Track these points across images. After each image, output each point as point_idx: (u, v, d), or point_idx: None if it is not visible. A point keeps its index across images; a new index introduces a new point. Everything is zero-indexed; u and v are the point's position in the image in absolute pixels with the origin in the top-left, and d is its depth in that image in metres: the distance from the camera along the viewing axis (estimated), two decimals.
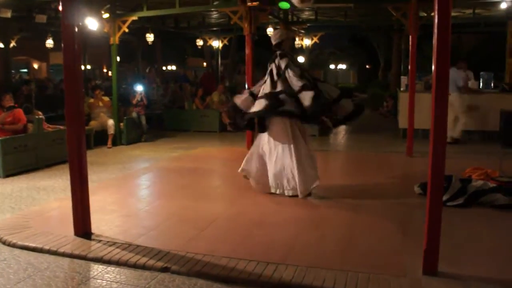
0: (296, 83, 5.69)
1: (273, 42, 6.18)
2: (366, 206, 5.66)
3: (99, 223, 4.87)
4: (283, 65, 5.89)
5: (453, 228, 4.63)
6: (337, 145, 11.21)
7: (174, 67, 32.91)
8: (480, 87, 11.33)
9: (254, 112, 5.81)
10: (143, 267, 3.90)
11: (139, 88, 11.52)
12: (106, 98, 11.06)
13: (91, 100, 10.88)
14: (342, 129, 13.70)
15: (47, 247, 4.27)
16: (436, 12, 3.47)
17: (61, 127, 8.65)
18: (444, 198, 5.33)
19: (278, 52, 6.05)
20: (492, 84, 11.67)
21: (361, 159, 9.09)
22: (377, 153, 9.60)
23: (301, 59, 18.67)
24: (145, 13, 11.01)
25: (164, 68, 28.33)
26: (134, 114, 11.25)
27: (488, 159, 7.94)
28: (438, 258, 3.63)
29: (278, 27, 14.37)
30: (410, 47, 8.74)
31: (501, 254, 4.20)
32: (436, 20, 3.47)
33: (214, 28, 17.44)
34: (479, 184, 5.67)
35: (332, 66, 41.09)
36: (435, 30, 3.48)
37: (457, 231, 4.65)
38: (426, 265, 3.65)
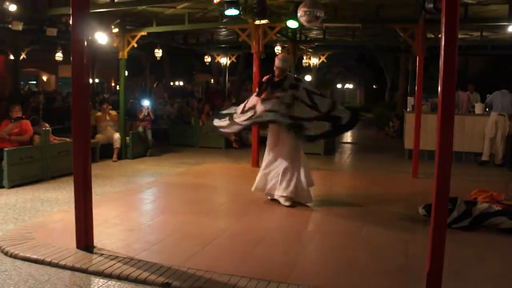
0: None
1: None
2: (370, 226, 5.62)
3: (101, 237, 4.86)
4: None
5: (457, 250, 4.59)
6: (342, 164, 11.18)
7: (181, 83, 33.09)
8: (487, 110, 11.32)
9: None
10: (144, 282, 3.88)
11: (146, 103, 11.59)
12: (113, 112, 11.11)
13: (98, 114, 10.94)
14: (347, 148, 13.71)
15: (48, 259, 4.27)
16: (443, 34, 3.48)
17: (67, 139, 8.69)
18: (449, 220, 5.29)
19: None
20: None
21: (366, 179, 9.05)
22: (382, 173, 9.57)
23: (308, 77, 18.78)
24: (155, 29, 11.13)
25: (171, 83, 28.49)
26: (140, 129, 11.29)
27: (494, 181, 7.89)
28: (441, 281, 3.59)
29: (286, 45, 14.46)
30: (417, 68, 8.76)
31: (505, 278, 4.16)
32: (443, 42, 3.48)
33: (223, 45, 17.56)
34: (484, 207, 5.63)
35: (339, 85, 41.23)
36: (442, 52, 3.49)
37: (461, 254, 4.61)
38: (429, 287, 3.61)
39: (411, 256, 4.56)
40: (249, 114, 6.32)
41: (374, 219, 5.93)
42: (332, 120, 6.19)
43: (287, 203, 6.35)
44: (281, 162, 6.40)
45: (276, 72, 6.47)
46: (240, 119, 6.37)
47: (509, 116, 10.45)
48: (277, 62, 6.49)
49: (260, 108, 6.24)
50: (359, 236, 5.26)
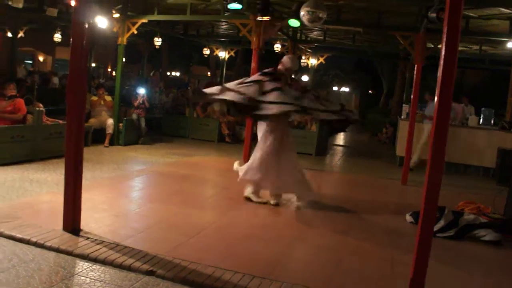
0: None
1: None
2: (356, 229, 5.66)
3: (88, 221, 4.85)
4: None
5: (441, 259, 4.62)
6: (332, 166, 11.22)
7: (178, 73, 33.00)
8: (480, 123, 11.42)
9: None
10: (129, 269, 3.87)
11: (141, 91, 11.56)
12: (108, 98, 11.05)
13: (94, 98, 10.89)
14: (339, 151, 13.76)
15: (34, 239, 4.25)
16: (444, 45, 3.50)
17: (60, 121, 8.66)
18: (435, 228, 5.34)
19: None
20: (492, 121, 11.74)
21: (356, 182, 9.10)
22: (372, 178, 9.62)
23: (305, 78, 18.80)
24: (156, 17, 11.09)
25: (168, 73, 28.41)
26: (134, 116, 11.26)
27: (482, 194, 7.96)
28: None
29: (285, 44, 14.47)
30: (414, 76, 8.80)
31: None
32: (443, 52, 3.50)
33: (222, 39, 17.53)
34: (471, 218, 5.68)
35: (335, 88, 41.26)
36: (441, 62, 3.50)
37: (445, 263, 4.64)
38: None
39: (395, 262, 4.58)
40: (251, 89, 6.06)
41: (361, 223, 5.97)
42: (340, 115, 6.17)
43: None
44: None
45: (283, 71, 6.27)
46: (241, 89, 6.08)
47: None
48: (287, 62, 6.28)
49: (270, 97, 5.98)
50: (345, 239, 5.28)
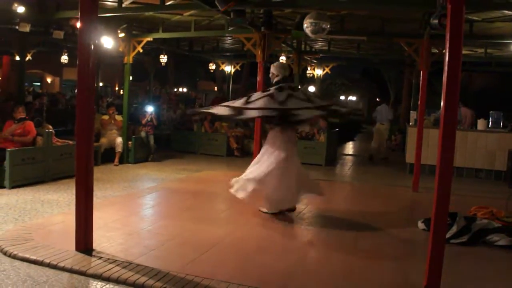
0: None
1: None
2: (368, 239, 5.63)
3: (101, 240, 4.87)
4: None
5: (454, 266, 4.59)
6: (343, 176, 11.19)
7: (185, 89, 33.14)
8: (489, 126, 11.37)
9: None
10: (142, 287, 3.88)
11: (149, 108, 11.62)
12: (119, 118, 11.01)
13: (105, 117, 10.96)
14: (348, 160, 13.72)
15: (47, 261, 4.27)
16: (447, 51, 3.51)
17: (70, 142, 8.72)
18: (448, 235, 5.30)
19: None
20: (501, 124, 11.68)
21: (366, 191, 9.07)
22: (383, 186, 9.57)
23: (311, 88, 18.84)
24: (161, 35, 11.20)
25: (175, 89, 28.55)
26: (142, 134, 11.32)
27: (494, 198, 7.89)
28: None
29: (290, 56, 14.52)
30: (420, 82, 8.78)
31: None
32: (447, 58, 3.51)
33: (227, 53, 17.62)
34: (484, 223, 5.63)
35: (342, 97, 41.28)
36: (446, 68, 3.51)
37: (459, 269, 4.60)
38: None
39: (408, 270, 4.55)
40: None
41: (373, 231, 5.94)
42: (328, 110, 6.42)
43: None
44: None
45: (271, 78, 6.58)
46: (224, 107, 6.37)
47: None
48: (271, 68, 6.62)
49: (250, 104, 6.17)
50: (357, 248, 5.26)
